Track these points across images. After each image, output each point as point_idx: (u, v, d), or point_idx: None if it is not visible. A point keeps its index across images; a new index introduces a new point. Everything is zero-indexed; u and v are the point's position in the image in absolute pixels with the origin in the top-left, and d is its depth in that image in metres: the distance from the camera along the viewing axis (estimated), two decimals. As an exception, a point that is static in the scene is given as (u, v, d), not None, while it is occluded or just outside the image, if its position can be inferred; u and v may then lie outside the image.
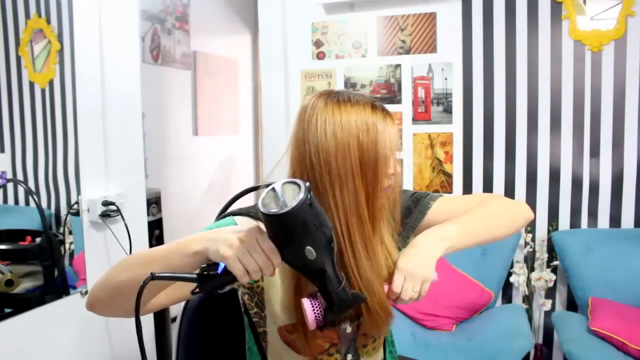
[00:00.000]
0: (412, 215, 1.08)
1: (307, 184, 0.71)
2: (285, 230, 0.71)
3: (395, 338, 1.17)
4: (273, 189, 0.72)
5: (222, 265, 0.74)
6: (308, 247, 0.71)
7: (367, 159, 0.89)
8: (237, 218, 0.95)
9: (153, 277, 0.72)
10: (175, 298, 0.90)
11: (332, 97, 0.92)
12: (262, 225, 0.75)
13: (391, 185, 0.95)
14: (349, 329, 0.97)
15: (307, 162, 0.89)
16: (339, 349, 0.97)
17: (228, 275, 0.74)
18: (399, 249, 1.02)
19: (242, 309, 1.00)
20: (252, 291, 0.95)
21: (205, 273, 0.74)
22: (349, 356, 0.98)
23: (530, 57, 2.48)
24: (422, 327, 2.29)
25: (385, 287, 0.90)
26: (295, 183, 0.72)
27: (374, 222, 0.91)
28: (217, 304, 1.15)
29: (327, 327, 0.94)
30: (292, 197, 0.70)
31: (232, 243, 0.72)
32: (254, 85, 4.31)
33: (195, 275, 0.74)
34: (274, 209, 0.69)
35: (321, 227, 0.72)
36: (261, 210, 0.70)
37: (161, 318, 2.33)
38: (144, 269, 0.76)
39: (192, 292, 0.76)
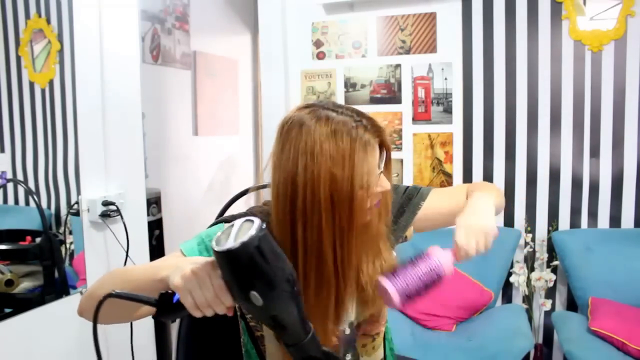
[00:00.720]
0: (404, 214, 1.08)
1: (263, 225, 0.66)
2: (229, 271, 0.66)
3: (395, 338, 1.18)
4: (232, 224, 0.68)
5: (175, 297, 0.71)
6: (253, 293, 0.65)
7: (340, 196, 0.82)
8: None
9: (111, 295, 0.70)
10: (142, 314, 0.89)
11: (311, 117, 0.85)
12: None
13: (380, 199, 0.92)
14: (347, 331, 0.97)
15: (275, 190, 0.86)
16: (337, 350, 0.97)
17: (181, 306, 0.71)
18: (392, 246, 1.02)
19: (238, 314, 1.00)
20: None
21: (162, 300, 0.72)
22: (348, 356, 0.98)
23: (530, 57, 2.48)
24: (422, 327, 2.28)
25: (449, 254, 0.87)
26: (252, 222, 0.67)
27: (341, 261, 0.85)
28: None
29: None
30: (243, 235, 0.65)
31: (185, 274, 0.69)
32: (254, 85, 4.31)
33: (153, 300, 0.72)
34: (218, 246, 0.65)
35: (271, 271, 0.66)
36: (211, 244, 0.66)
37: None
38: (121, 287, 0.75)
39: (153, 317, 0.74)
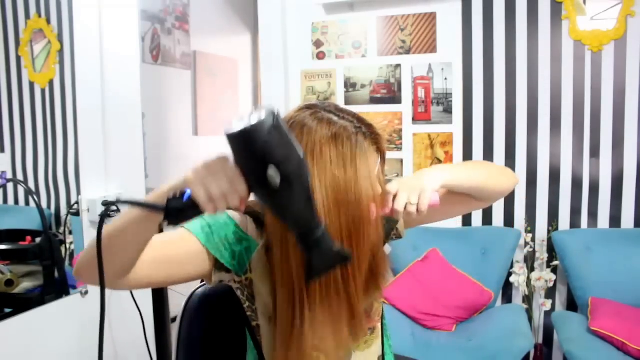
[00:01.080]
0: None
1: (276, 109, 0.67)
2: (247, 152, 0.67)
3: (395, 338, 1.17)
4: (240, 116, 0.68)
5: (186, 194, 0.70)
6: (271, 169, 0.66)
7: (344, 197, 0.83)
8: (230, 212, 0.94)
9: (117, 200, 0.69)
10: (183, 277, 0.87)
11: (312, 119, 0.86)
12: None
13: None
14: None
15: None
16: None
17: (193, 205, 0.69)
18: (384, 241, 1.02)
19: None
20: (242, 285, 0.95)
21: (170, 202, 0.70)
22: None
23: (530, 57, 2.48)
24: (422, 327, 2.28)
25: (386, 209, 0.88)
26: (263, 109, 0.68)
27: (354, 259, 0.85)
28: (217, 303, 1.14)
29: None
30: (258, 115, 0.66)
31: (197, 168, 0.69)
32: (254, 85, 4.32)
33: (160, 206, 0.70)
34: (237, 126, 0.66)
35: (288, 147, 0.68)
36: (225, 131, 0.67)
37: (161, 318, 2.33)
38: (126, 217, 0.73)
39: (159, 229, 0.73)
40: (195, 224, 0.89)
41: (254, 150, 0.66)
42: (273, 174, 0.66)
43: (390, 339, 1.14)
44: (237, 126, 0.66)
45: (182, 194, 0.70)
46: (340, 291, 0.87)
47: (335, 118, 0.86)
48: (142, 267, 0.81)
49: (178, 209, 0.70)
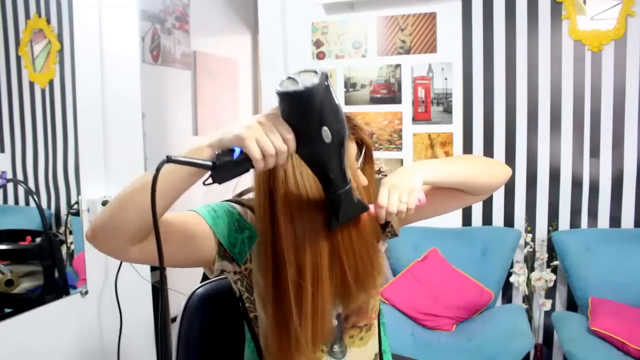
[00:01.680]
0: None
1: (324, 70, 0.71)
2: (303, 110, 0.71)
3: (395, 338, 1.17)
4: (289, 77, 0.72)
5: (237, 151, 0.71)
6: (324, 128, 0.72)
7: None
8: (234, 204, 0.95)
9: (168, 159, 0.67)
10: (187, 257, 0.86)
11: None
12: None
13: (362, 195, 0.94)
14: (335, 322, 0.97)
15: (257, 186, 0.90)
16: (326, 342, 0.96)
17: (244, 161, 0.71)
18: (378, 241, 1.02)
19: (237, 295, 0.99)
20: (241, 275, 0.95)
21: (219, 159, 0.71)
22: (336, 347, 0.98)
23: (530, 57, 2.48)
24: (422, 327, 2.28)
25: (372, 208, 0.89)
26: (310, 70, 0.72)
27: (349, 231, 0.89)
28: (217, 303, 1.15)
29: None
30: (311, 76, 0.70)
31: (250, 125, 0.70)
32: (254, 85, 4.31)
33: (209, 162, 0.70)
34: (294, 86, 0.69)
35: (335, 111, 0.73)
36: (280, 90, 0.70)
37: (161, 318, 2.33)
38: (151, 175, 0.69)
39: (204, 183, 0.73)
40: (201, 208, 0.90)
41: (311, 109, 0.70)
42: (327, 131, 0.72)
43: (387, 339, 1.13)
44: (291, 85, 0.69)
45: (230, 150, 0.72)
46: (332, 271, 0.89)
47: None
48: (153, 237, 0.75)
49: (228, 165, 0.71)
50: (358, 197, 0.83)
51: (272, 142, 0.70)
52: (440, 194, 1.05)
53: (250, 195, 0.99)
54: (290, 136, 0.72)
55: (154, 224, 0.68)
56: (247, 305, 0.98)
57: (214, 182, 0.71)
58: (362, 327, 1.01)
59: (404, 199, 0.88)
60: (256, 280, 0.94)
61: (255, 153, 0.69)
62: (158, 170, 0.67)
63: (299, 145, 0.74)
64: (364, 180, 0.94)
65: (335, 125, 0.73)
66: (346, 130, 0.75)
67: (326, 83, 0.70)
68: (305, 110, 0.71)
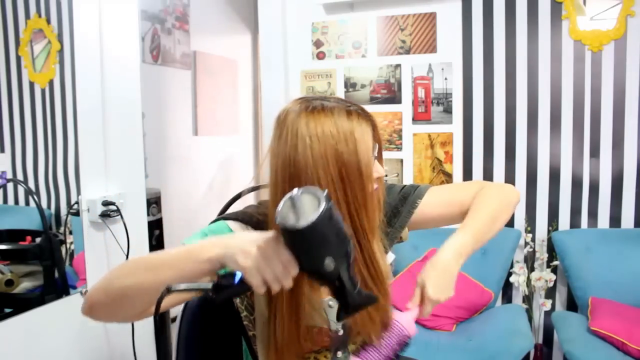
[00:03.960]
0: (400, 215, 1.07)
1: (326, 192, 0.68)
2: (304, 244, 0.69)
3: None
4: (290, 198, 0.69)
5: (238, 275, 0.72)
6: (327, 260, 0.69)
7: (349, 170, 0.85)
8: (230, 223, 0.94)
9: (169, 290, 0.70)
10: (175, 302, 0.88)
11: (305, 107, 0.88)
12: (265, 234, 0.73)
13: (377, 187, 0.94)
14: (341, 332, 0.97)
15: (274, 176, 0.88)
16: (329, 348, 0.97)
17: (244, 285, 0.71)
18: (386, 249, 1.02)
19: (236, 309, 0.99)
20: (243, 294, 0.95)
21: (221, 283, 0.72)
22: (339, 353, 0.98)
23: (530, 57, 2.48)
24: (422, 327, 2.29)
25: (409, 316, 0.94)
26: (312, 193, 0.69)
27: (365, 232, 0.89)
28: (216, 304, 1.14)
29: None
30: (311, 207, 0.67)
31: (251, 253, 0.70)
32: (254, 85, 4.31)
33: (210, 287, 0.72)
34: (291, 222, 0.67)
35: (340, 237, 0.70)
36: (279, 222, 0.67)
37: (161, 318, 2.33)
38: (151, 275, 0.74)
39: (203, 302, 0.75)
40: (194, 238, 0.89)
41: (313, 244, 0.68)
42: (329, 262, 0.69)
43: None
44: (291, 214, 0.67)
45: (231, 273, 0.72)
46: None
47: (326, 102, 0.89)
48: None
49: (228, 289, 0.72)
50: (367, 293, 0.78)
51: (273, 270, 0.69)
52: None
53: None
54: (292, 264, 0.70)
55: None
56: (245, 323, 0.98)
57: (215, 301, 0.73)
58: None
59: (445, 297, 0.96)
60: (258, 300, 0.94)
61: (256, 282, 0.70)
62: (159, 303, 0.71)
63: (302, 267, 0.72)
64: (382, 170, 0.94)
65: (340, 252, 0.70)
66: (352, 250, 0.72)
67: (329, 213, 0.67)
68: (306, 245, 0.69)
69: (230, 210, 1.07)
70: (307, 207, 0.67)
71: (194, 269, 0.74)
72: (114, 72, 1.88)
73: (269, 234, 0.72)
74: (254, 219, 0.94)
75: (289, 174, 0.85)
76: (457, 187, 1.13)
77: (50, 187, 1.76)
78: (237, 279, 0.71)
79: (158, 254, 0.79)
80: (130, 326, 1.89)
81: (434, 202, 1.08)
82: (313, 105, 0.88)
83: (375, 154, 0.93)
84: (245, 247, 0.70)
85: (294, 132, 0.85)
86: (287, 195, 0.70)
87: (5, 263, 1.59)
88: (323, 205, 0.66)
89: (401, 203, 1.07)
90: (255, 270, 0.69)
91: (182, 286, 0.71)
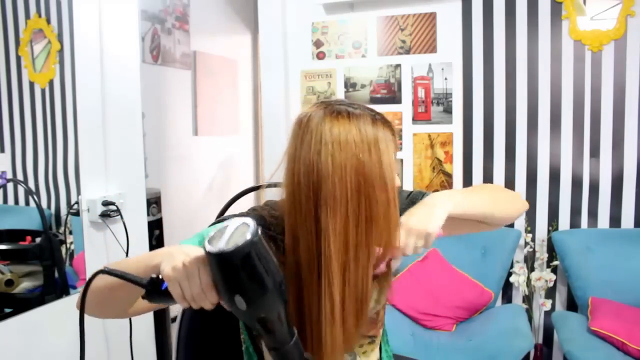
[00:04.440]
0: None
1: (258, 230, 0.65)
2: (217, 272, 0.66)
3: (395, 338, 1.17)
4: (227, 225, 0.67)
5: (165, 284, 0.72)
6: (237, 297, 0.66)
7: (368, 181, 0.83)
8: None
9: (103, 271, 0.72)
10: (147, 308, 0.90)
11: (329, 111, 0.86)
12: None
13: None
14: None
15: (294, 181, 0.85)
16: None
17: (168, 294, 0.71)
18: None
19: None
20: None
21: (151, 283, 0.72)
22: (347, 356, 0.98)
23: (530, 57, 2.48)
24: (422, 327, 2.28)
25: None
26: (248, 225, 0.66)
27: (363, 248, 0.85)
28: (216, 304, 1.14)
29: None
30: (238, 239, 0.64)
31: (176, 266, 0.69)
32: (254, 85, 4.31)
33: (144, 282, 0.72)
34: (208, 244, 0.65)
35: (259, 279, 0.65)
36: (204, 243, 0.66)
37: (161, 318, 2.33)
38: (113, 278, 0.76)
39: (142, 297, 0.75)
40: (191, 241, 0.88)
41: (226, 274, 0.66)
42: (240, 300, 0.66)
43: (388, 344, 1.13)
44: (216, 240, 0.65)
45: (163, 280, 0.72)
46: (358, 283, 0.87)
47: (351, 109, 0.87)
48: (140, 303, 0.84)
49: (157, 292, 0.73)
50: (306, 355, 0.73)
51: (192, 290, 0.69)
52: (457, 223, 1.02)
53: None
54: (209, 289, 0.69)
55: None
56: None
57: (149, 300, 0.74)
58: (371, 337, 1.01)
59: (420, 244, 0.89)
60: None
61: (175, 295, 0.70)
62: (90, 280, 0.73)
63: (222, 299, 0.69)
64: (398, 181, 0.92)
65: (255, 296, 0.66)
66: (279, 303, 0.68)
67: (247, 249, 0.63)
68: (218, 274, 0.66)
69: (230, 211, 1.06)
70: (234, 237, 0.65)
71: (144, 273, 0.76)
72: (114, 72, 1.88)
73: (200, 254, 0.70)
74: (265, 221, 0.92)
75: (312, 180, 0.83)
76: (466, 190, 1.12)
77: (50, 187, 1.76)
78: (164, 285, 0.72)
79: (136, 257, 0.82)
80: (130, 326, 1.89)
81: None
82: (338, 110, 0.86)
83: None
84: (175, 260, 0.70)
85: (317, 138, 0.83)
86: (225, 223, 0.68)
87: (5, 263, 1.59)
88: (243, 239, 0.63)
89: (409, 207, 1.06)
90: (175, 284, 0.69)
91: (117, 271, 0.72)
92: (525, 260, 2.49)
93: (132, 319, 1.92)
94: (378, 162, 0.84)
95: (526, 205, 1.16)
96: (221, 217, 1.01)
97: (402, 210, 1.05)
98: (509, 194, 1.14)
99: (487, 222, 1.07)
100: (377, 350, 1.05)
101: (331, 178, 0.82)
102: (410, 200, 1.07)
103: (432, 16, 2.60)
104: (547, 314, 2.48)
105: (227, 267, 0.64)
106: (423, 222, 0.90)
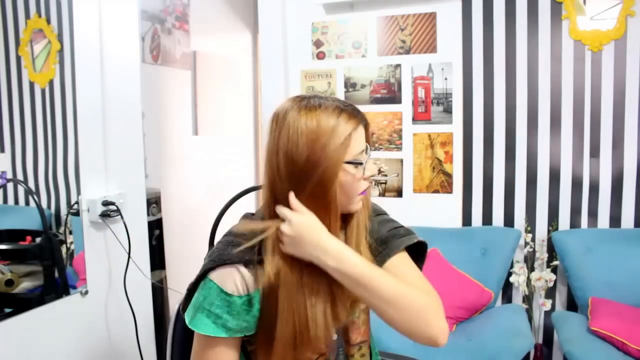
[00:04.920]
0: (384, 251, 0.98)
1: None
2: None
3: (395, 338, 1.17)
4: None
5: None
6: None
7: (311, 163, 0.86)
8: (214, 276, 0.90)
9: None
10: None
11: (304, 104, 0.90)
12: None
13: (367, 188, 0.94)
14: (335, 336, 0.96)
15: (276, 173, 0.89)
16: (327, 357, 0.96)
17: None
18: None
19: None
20: None
21: None
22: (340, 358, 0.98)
23: (530, 57, 2.48)
24: (422, 327, 2.28)
25: None
26: None
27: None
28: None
29: None
30: None
31: None
32: (254, 85, 4.31)
33: None
34: None
35: None
36: None
37: (161, 318, 2.33)
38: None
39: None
40: (206, 323, 0.88)
41: None
42: None
43: (378, 355, 1.13)
44: None
45: None
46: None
47: (322, 100, 0.90)
48: None
49: None
50: None
51: None
52: (349, 283, 0.88)
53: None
54: None
55: None
56: (244, 339, 0.96)
57: None
58: (359, 344, 1.01)
59: (286, 231, 0.89)
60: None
61: None
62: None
63: None
64: (374, 169, 0.94)
65: None
66: None
67: None
68: None
69: (230, 211, 1.06)
70: None
71: None
72: (114, 72, 1.88)
73: None
74: (237, 255, 0.90)
75: (291, 170, 0.87)
76: (420, 278, 0.96)
77: (50, 187, 1.76)
78: None
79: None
80: (129, 326, 1.89)
81: (397, 265, 0.96)
82: (309, 103, 0.90)
83: (369, 154, 0.92)
84: None
85: (294, 129, 0.87)
86: None
87: (5, 263, 1.59)
88: None
89: (385, 243, 0.99)
90: None
91: None
92: (525, 260, 2.49)
93: (136, 318, 1.92)
94: (324, 146, 0.86)
95: (439, 337, 0.87)
96: (221, 216, 1.01)
97: (382, 241, 0.99)
98: (422, 308, 0.87)
99: (375, 309, 0.89)
100: (367, 357, 1.05)
101: (303, 164, 0.86)
102: (391, 235, 1.00)
103: (432, 16, 2.60)
104: (547, 314, 2.48)
105: None
106: (291, 245, 0.88)
